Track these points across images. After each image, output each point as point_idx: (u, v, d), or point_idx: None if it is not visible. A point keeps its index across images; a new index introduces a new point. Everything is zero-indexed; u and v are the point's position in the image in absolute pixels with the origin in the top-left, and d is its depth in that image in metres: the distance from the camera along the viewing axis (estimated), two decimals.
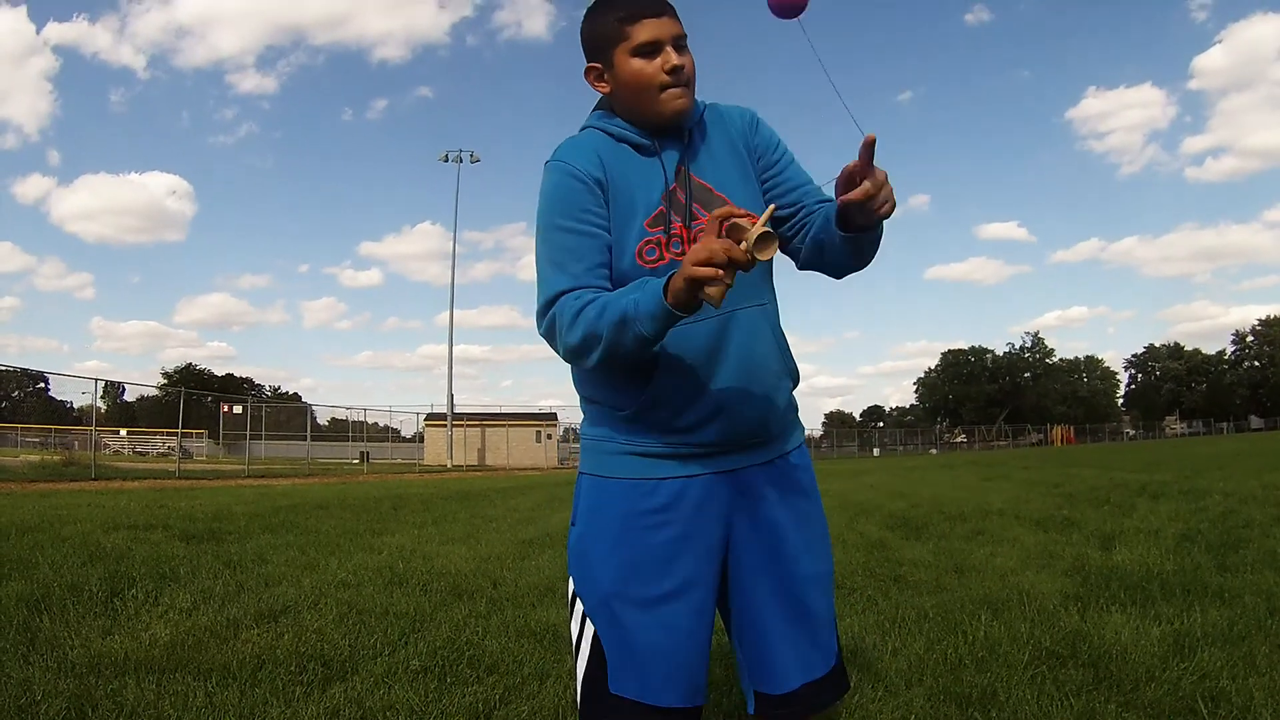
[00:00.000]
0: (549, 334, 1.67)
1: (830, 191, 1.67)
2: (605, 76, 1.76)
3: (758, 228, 1.42)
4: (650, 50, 1.69)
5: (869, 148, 1.46)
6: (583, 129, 1.84)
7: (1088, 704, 2.70)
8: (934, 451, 69.69)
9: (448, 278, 52.67)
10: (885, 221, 1.57)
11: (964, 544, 6.42)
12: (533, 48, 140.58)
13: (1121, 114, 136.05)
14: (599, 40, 1.74)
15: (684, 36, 1.71)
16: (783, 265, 1.86)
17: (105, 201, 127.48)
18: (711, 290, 1.41)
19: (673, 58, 1.68)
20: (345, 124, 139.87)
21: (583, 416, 1.89)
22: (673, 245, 1.71)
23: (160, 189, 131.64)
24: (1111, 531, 6.74)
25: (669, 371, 1.70)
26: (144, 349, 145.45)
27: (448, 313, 57.04)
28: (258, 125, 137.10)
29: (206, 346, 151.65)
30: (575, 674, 1.75)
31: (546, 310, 1.66)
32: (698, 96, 1.80)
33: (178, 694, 2.84)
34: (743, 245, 1.41)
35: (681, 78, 1.70)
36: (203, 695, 2.83)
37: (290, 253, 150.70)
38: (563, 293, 1.64)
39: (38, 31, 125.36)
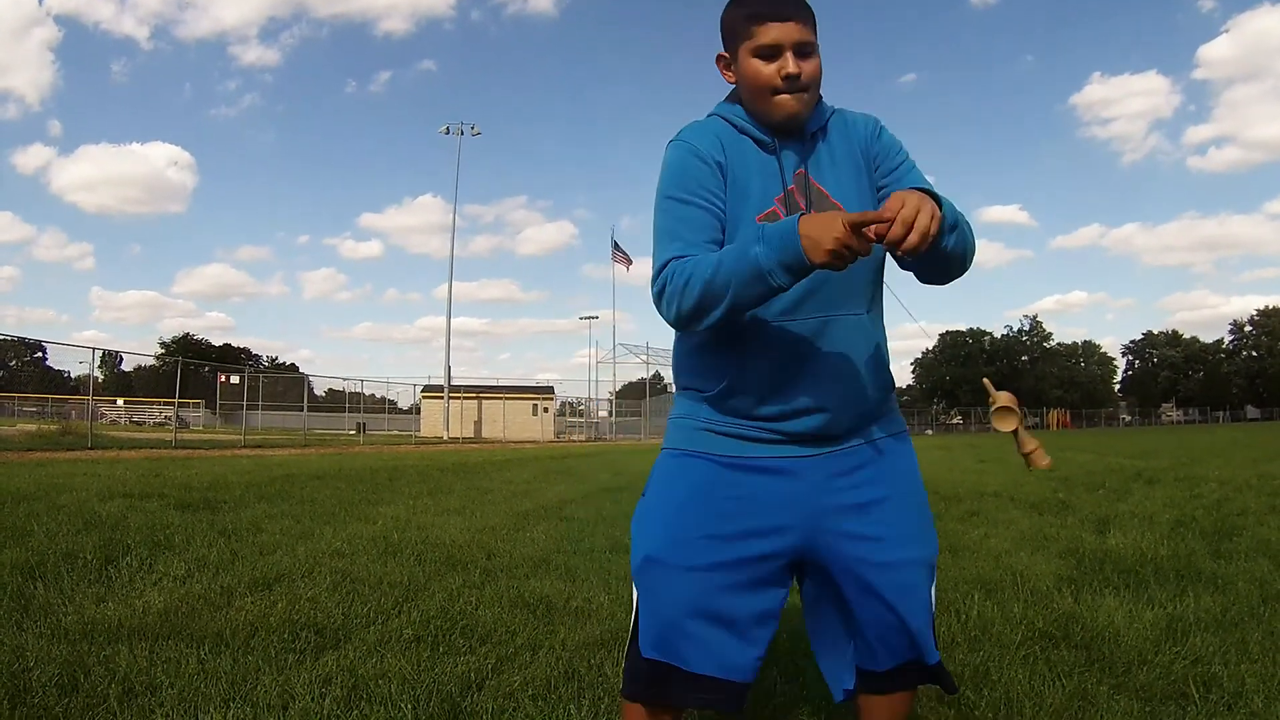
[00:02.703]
0: (659, 298, 1.69)
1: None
2: (731, 68, 1.78)
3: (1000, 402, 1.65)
4: (770, 53, 1.69)
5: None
6: (709, 115, 1.85)
7: (1079, 685, 2.70)
8: (930, 433, 69.82)
9: (448, 250, 52.45)
10: (947, 230, 1.55)
11: (958, 525, 6.43)
12: (538, 23, 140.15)
13: (1125, 101, 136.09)
14: (728, 33, 1.76)
15: (809, 43, 1.69)
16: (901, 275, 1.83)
17: (106, 172, 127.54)
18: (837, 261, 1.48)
19: (789, 64, 1.68)
20: (348, 96, 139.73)
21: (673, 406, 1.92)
22: None
23: (161, 160, 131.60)
24: (1106, 516, 6.75)
25: (758, 361, 1.73)
26: (142, 319, 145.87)
27: (447, 285, 56.98)
28: (260, 97, 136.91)
29: (205, 317, 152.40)
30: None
31: (658, 276, 1.69)
32: (840, 100, 1.83)
33: (170, 661, 2.84)
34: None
35: (796, 85, 1.69)
36: (195, 662, 2.83)
37: (290, 224, 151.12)
38: (674, 258, 1.67)
39: (40, 2, 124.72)
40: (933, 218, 1.44)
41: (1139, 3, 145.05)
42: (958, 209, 1.62)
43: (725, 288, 1.57)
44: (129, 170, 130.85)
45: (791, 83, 1.68)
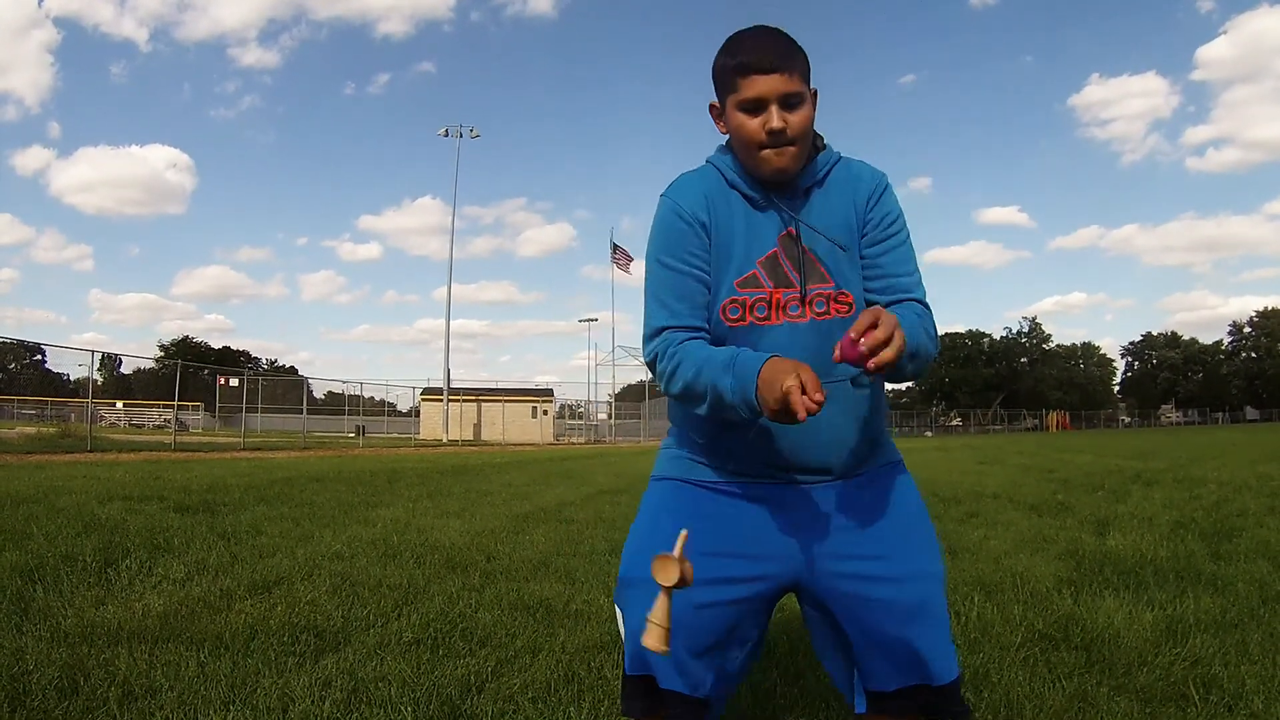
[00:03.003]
0: (652, 366, 1.76)
1: None
2: (722, 118, 1.75)
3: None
4: (754, 107, 1.65)
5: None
6: (705, 162, 1.83)
7: (1079, 686, 2.70)
8: (929, 434, 69.83)
9: (447, 252, 52.51)
10: (906, 358, 1.52)
11: (958, 526, 6.43)
12: (538, 24, 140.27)
13: (1124, 102, 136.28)
14: (717, 84, 1.73)
15: (798, 94, 1.65)
16: None
17: (105, 174, 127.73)
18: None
19: (773, 119, 1.63)
20: (347, 98, 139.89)
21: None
22: (757, 309, 1.72)
23: (160, 162, 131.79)
24: (1106, 517, 6.75)
25: (742, 430, 1.73)
26: (142, 321, 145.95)
27: (446, 287, 56.98)
28: (259, 99, 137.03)
29: (204, 319, 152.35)
30: None
31: (648, 342, 1.75)
32: (836, 149, 1.80)
33: (170, 664, 2.84)
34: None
35: (781, 139, 1.65)
36: (195, 665, 2.83)
37: (290, 226, 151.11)
38: (663, 329, 1.72)
39: (39, 3, 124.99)
40: (897, 350, 1.42)
41: (1138, 4, 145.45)
42: (922, 326, 1.64)
43: (703, 397, 1.63)
44: (128, 172, 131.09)
45: (776, 138, 1.65)
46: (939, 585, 1.76)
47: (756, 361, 1.54)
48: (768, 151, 1.66)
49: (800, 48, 1.69)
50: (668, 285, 1.73)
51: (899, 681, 1.72)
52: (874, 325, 1.42)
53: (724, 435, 1.77)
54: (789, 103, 1.64)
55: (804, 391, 1.42)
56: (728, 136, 1.79)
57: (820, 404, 1.42)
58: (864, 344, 1.41)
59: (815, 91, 1.71)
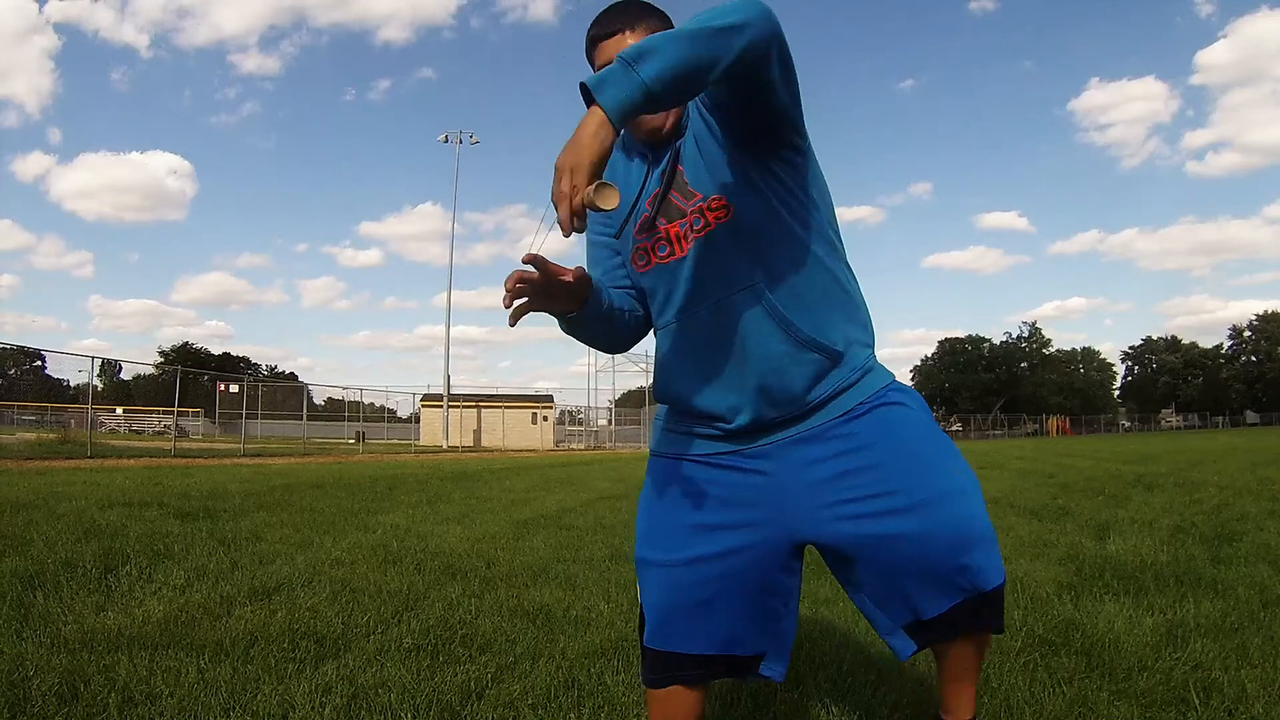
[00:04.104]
0: None
1: None
2: None
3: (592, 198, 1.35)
4: None
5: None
6: None
7: (1080, 691, 2.70)
8: None
9: (447, 258, 52.49)
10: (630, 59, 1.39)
11: None
12: (538, 31, 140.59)
13: (1124, 106, 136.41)
14: (587, 59, 1.82)
15: None
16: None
17: (105, 180, 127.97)
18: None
19: None
20: (347, 104, 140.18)
21: None
22: (658, 249, 1.77)
23: (161, 168, 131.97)
24: (1106, 522, 6.75)
25: (670, 361, 1.83)
26: (142, 328, 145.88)
27: (446, 293, 57.00)
28: (260, 105, 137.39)
29: (204, 325, 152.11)
30: None
31: None
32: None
33: (170, 670, 2.83)
34: (579, 197, 1.34)
35: None
36: (195, 671, 2.83)
37: (290, 232, 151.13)
38: None
39: (40, 9, 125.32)
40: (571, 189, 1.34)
41: (1137, 8, 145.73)
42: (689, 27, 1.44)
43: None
44: (128, 178, 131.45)
45: None
46: (963, 499, 1.75)
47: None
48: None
49: (651, 8, 1.76)
50: (590, 260, 1.93)
51: (942, 604, 1.73)
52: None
53: (661, 389, 1.86)
54: None
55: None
56: None
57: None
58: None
59: None
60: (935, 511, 1.71)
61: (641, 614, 1.87)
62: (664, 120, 1.73)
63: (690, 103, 1.77)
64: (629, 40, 1.71)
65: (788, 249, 1.72)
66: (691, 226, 1.72)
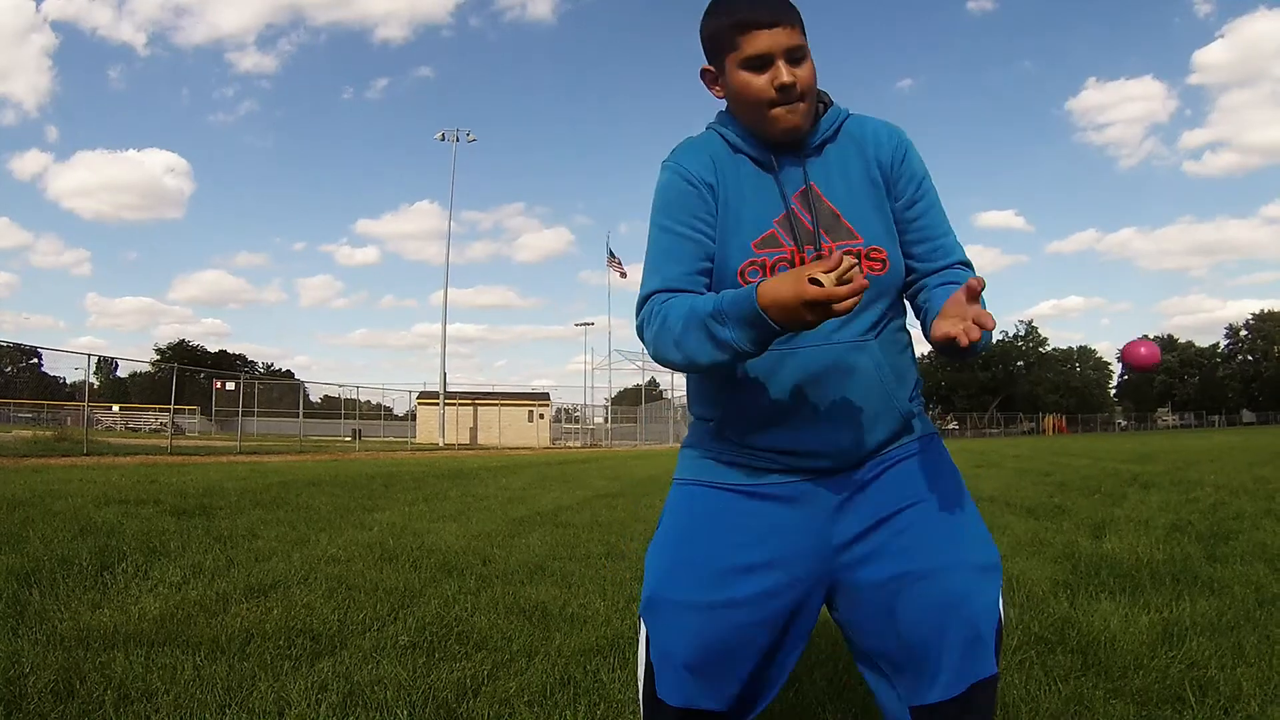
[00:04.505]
0: (640, 332, 1.66)
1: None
2: (719, 82, 1.68)
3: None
4: (760, 64, 1.58)
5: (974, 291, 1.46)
6: (706, 129, 1.76)
7: (1076, 689, 2.70)
8: None
9: (444, 257, 52.30)
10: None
11: None
12: (536, 30, 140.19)
13: (1121, 106, 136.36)
14: (712, 45, 1.65)
15: (801, 48, 1.58)
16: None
17: (103, 178, 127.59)
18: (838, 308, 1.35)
19: (782, 74, 1.56)
20: (345, 103, 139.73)
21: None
22: (779, 269, 1.61)
23: (158, 167, 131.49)
24: (1102, 520, 6.76)
25: (751, 394, 1.64)
26: (139, 325, 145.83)
27: (443, 292, 56.89)
28: (257, 103, 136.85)
29: (201, 323, 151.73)
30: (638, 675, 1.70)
31: (639, 310, 1.65)
32: (842, 104, 1.73)
33: (166, 667, 2.83)
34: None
35: (792, 95, 1.58)
36: (191, 668, 2.83)
37: (287, 230, 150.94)
38: (654, 293, 1.63)
39: (37, 8, 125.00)
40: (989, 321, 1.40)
41: (1135, 8, 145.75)
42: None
43: (693, 346, 1.52)
44: (126, 176, 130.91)
45: (787, 93, 1.57)
46: (981, 575, 1.60)
47: (751, 286, 1.43)
48: (779, 109, 1.59)
49: (794, 3, 1.63)
50: (664, 250, 1.66)
51: (945, 693, 1.56)
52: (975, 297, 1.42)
53: (732, 420, 1.68)
54: (794, 57, 1.58)
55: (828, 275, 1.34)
56: (725, 103, 1.72)
57: (859, 287, 1.33)
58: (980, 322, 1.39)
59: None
60: (944, 582, 1.59)
61: (650, 665, 1.64)
62: (806, 120, 1.64)
63: (843, 118, 1.71)
64: (787, 35, 1.56)
65: (895, 309, 1.70)
66: None
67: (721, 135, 1.71)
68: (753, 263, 1.63)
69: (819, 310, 1.36)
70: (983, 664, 1.55)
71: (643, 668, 1.66)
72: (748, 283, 1.59)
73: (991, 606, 1.58)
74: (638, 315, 1.66)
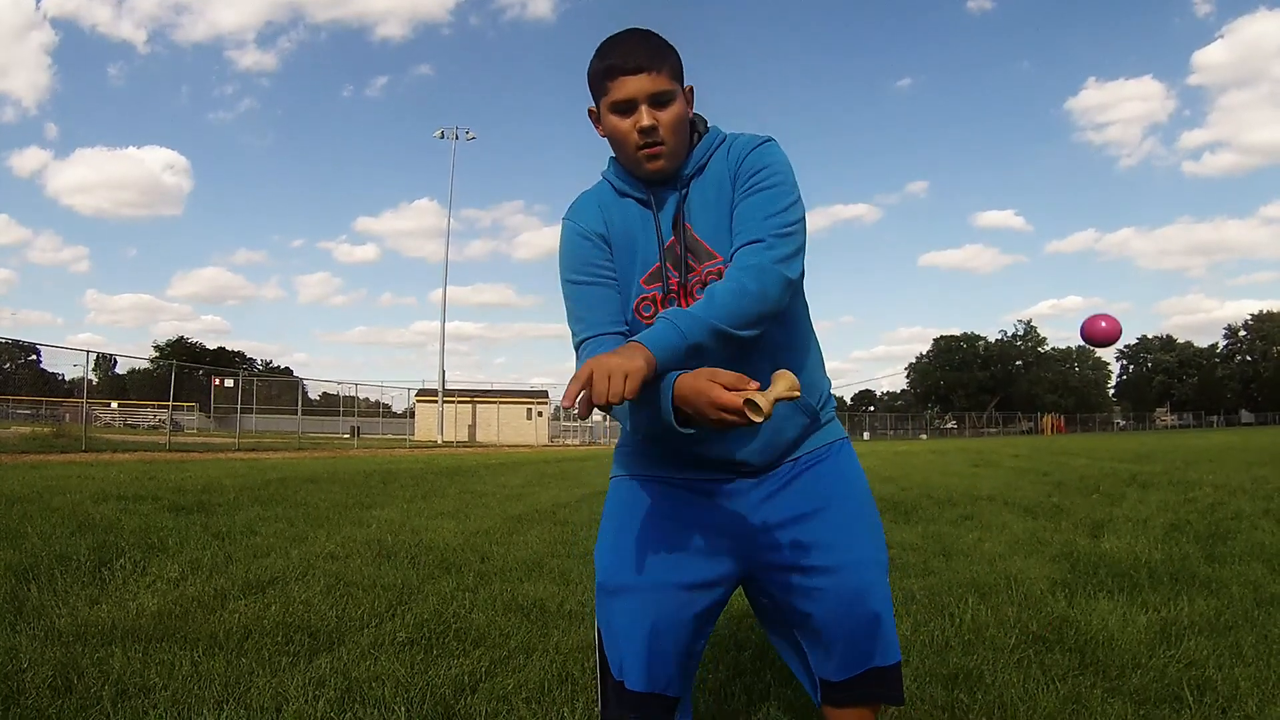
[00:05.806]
0: None
1: None
2: (599, 122, 1.76)
3: (776, 391, 1.44)
4: (625, 108, 1.67)
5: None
6: (600, 178, 1.86)
7: (1073, 688, 2.71)
8: (924, 437, 69.92)
9: (444, 254, 52.21)
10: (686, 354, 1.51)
11: (952, 528, 6.44)
12: (536, 28, 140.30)
13: (1121, 106, 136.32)
14: (592, 88, 1.74)
15: (666, 92, 1.66)
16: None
17: (102, 175, 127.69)
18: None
19: (643, 118, 1.65)
20: (344, 100, 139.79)
21: None
22: (669, 302, 1.74)
23: (158, 164, 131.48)
24: (1100, 520, 6.76)
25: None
26: (137, 322, 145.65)
27: (442, 289, 56.86)
28: (257, 101, 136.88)
29: (200, 320, 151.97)
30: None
31: (579, 358, 1.74)
32: (723, 127, 1.80)
33: (164, 663, 2.83)
34: (763, 406, 1.41)
35: (654, 137, 1.67)
36: (189, 664, 2.83)
37: (286, 228, 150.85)
38: (584, 340, 1.74)
39: (37, 5, 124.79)
40: (603, 398, 1.40)
41: (1134, 8, 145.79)
42: (727, 290, 1.55)
43: (624, 416, 1.70)
44: (125, 173, 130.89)
45: (648, 135, 1.66)
46: (880, 571, 1.76)
47: (667, 387, 1.51)
48: (644, 152, 1.68)
49: (670, 47, 1.71)
50: (580, 300, 1.78)
51: (846, 671, 1.73)
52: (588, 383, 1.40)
53: (648, 438, 1.80)
54: (658, 101, 1.66)
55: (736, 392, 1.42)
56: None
57: (767, 405, 1.41)
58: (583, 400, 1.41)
59: (690, 88, 1.75)
60: (849, 576, 1.73)
61: (602, 649, 1.77)
62: (671, 161, 1.72)
63: (705, 149, 1.77)
64: (651, 81, 1.64)
65: (789, 309, 1.71)
66: (704, 286, 1.71)
67: (610, 182, 1.82)
68: (644, 299, 1.76)
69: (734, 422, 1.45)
70: (886, 652, 1.72)
71: (600, 663, 1.79)
72: (642, 316, 1.75)
73: (889, 596, 1.76)
74: (578, 364, 1.68)
